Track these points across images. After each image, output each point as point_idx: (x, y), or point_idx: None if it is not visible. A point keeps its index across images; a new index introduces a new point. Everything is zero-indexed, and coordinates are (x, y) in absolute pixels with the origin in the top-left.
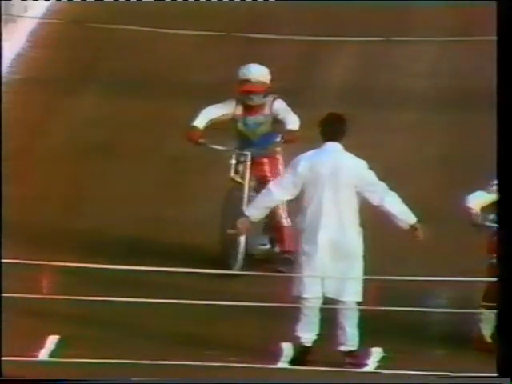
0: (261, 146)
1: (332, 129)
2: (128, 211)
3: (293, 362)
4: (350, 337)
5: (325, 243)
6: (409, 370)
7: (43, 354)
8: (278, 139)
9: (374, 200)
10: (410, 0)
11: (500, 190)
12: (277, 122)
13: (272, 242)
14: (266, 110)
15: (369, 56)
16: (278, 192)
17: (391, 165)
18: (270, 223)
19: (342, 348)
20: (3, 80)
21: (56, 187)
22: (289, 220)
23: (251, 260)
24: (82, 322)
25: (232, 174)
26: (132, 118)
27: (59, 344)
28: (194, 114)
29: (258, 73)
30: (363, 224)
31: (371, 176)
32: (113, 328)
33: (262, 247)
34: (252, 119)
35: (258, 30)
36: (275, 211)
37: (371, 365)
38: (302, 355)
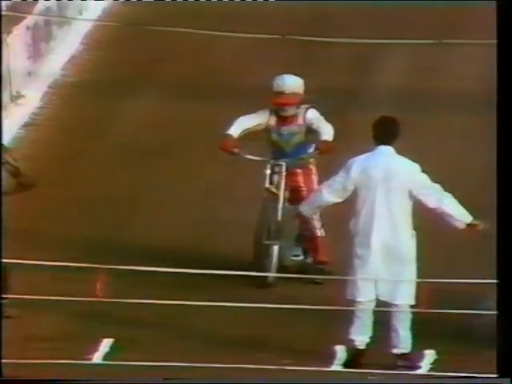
0: (295, 156)
1: (384, 132)
2: (183, 213)
3: (346, 364)
4: (402, 339)
5: (378, 246)
6: (461, 372)
7: (97, 357)
8: (312, 149)
9: (431, 203)
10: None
11: (500, 190)
12: (310, 132)
13: (305, 252)
14: (300, 120)
15: (422, 58)
16: (329, 194)
17: (444, 168)
18: (304, 234)
19: (395, 350)
20: (57, 83)
21: (112, 189)
22: (322, 231)
23: (284, 271)
24: (135, 324)
25: (267, 184)
26: (187, 121)
27: (113, 347)
28: None
29: (292, 84)
30: (416, 227)
31: (425, 179)
32: (166, 331)
33: (296, 258)
34: (286, 129)
35: (313, 33)
36: (309, 221)
37: (424, 367)
38: (355, 358)
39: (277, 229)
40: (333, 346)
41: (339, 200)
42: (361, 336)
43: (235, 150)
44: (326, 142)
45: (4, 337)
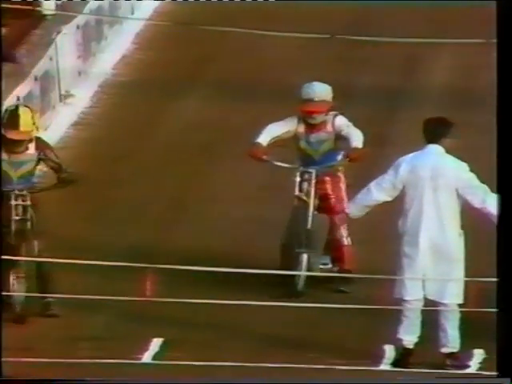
0: (323, 163)
1: (434, 131)
2: (232, 213)
3: (395, 363)
4: (451, 338)
5: (426, 245)
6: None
7: (147, 357)
8: (340, 157)
9: (476, 202)
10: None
11: (500, 190)
12: (339, 139)
13: (333, 261)
14: (329, 127)
15: (470, 57)
16: (378, 192)
17: (492, 167)
18: (331, 242)
19: (444, 350)
20: (108, 82)
21: (160, 189)
22: (349, 239)
23: (313, 279)
24: (185, 324)
25: (297, 192)
26: (236, 121)
27: (163, 346)
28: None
29: (321, 92)
30: (464, 226)
31: (472, 178)
32: (215, 330)
33: (324, 267)
34: (314, 137)
35: (361, 32)
36: (336, 230)
37: (473, 366)
38: (403, 357)
39: (307, 237)
40: (382, 345)
41: (388, 199)
42: (409, 335)
43: (264, 157)
44: (356, 149)
45: (53, 336)
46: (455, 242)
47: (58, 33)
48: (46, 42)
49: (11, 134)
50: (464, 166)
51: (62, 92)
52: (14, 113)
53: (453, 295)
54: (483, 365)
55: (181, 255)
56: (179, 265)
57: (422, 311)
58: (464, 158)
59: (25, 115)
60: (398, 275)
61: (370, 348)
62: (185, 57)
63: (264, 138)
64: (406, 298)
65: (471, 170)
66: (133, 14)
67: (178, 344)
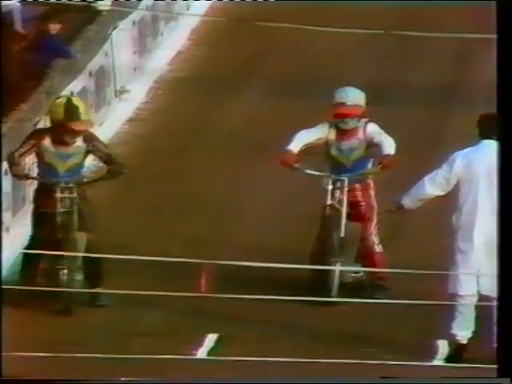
0: (354, 171)
1: (489, 127)
2: (287, 210)
3: (448, 359)
4: None
5: (480, 241)
6: None
7: (201, 353)
8: (370, 164)
9: None
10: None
11: (500, 190)
12: (371, 146)
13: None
14: (360, 135)
15: None
16: (431, 187)
17: None
18: (362, 250)
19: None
20: (163, 78)
21: (216, 185)
22: (381, 246)
23: (344, 288)
24: (240, 320)
25: (329, 200)
26: (290, 118)
27: (218, 342)
28: None
29: (354, 96)
30: None
31: None
32: (270, 326)
33: (355, 275)
34: (346, 144)
35: (413, 29)
36: (367, 237)
37: None
38: (457, 352)
39: (340, 245)
40: (435, 340)
41: (441, 193)
42: (463, 331)
43: (296, 165)
44: (388, 155)
45: (108, 332)
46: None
47: (114, 28)
48: (102, 37)
49: (76, 126)
50: None
51: (118, 88)
52: (70, 104)
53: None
54: None
55: (235, 251)
56: (233, 260)
57: (476, 306)
58: None
59: (81, 105)
60: (452, 270)
61: (423, 343)
62: (240, 53)
63: (295, 145)
64: (461, 293)
65: None
66: (188, 9)
67: (233, 340)
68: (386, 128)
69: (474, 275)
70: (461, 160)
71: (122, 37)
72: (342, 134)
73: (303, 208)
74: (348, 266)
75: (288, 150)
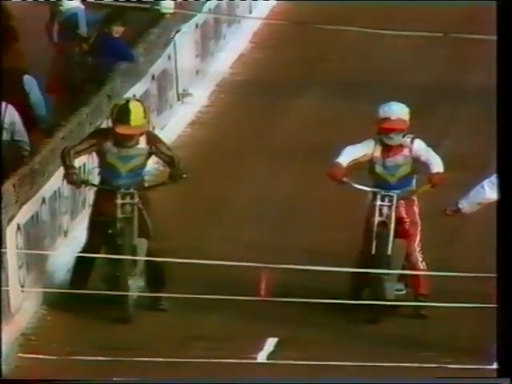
0: (399, 188)
1: None
2: (344, 213)
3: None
4: None
5: None
6: None
7: (262, 357)
8: (414, 181)
9: None
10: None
11: (500, 190)
12: (415, 163)
13: (407, 286)
14: (406, 151)
15: None
16: (490, 191)
17: None
18: (406, 267)
19: None
20: (225, 81)
21: (275, 189)
22: (424, 263)
23: (387, 305)
24: (300, 324)
25: (377, 216)
26: (351, 121)
27: (278, 346)
28: (411, 118)
29: (398, 111)
30: None
31: None
32: (329, 330)
33: (399, 293)
34: (391, 161)
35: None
36: (411, 254)
37: None
38: None
39: (387, 263)
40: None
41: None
42: None
43: (345, 180)
44: (438, 174)
45: (166, 336)
46: None
47: (177, 31)
48: (164, 40)
49: (122, 129)
50: None
51: (180, 91)
52: (124, 107)
53: None
54: None
55: (295, 255)
56: (293, 264)
57: None
58: None
59: (136, 109)
60: None
61: (482, 347)
62: (300, 56)
63: (344, 159)
64: None
65: None
66: (250, 13)
67: (293, 343)
68: (446, 128)
69: None
70: None
71: (184, 40)
72: (388, 150)
73: (361, 212)
74: (392, 284)
75: (337, 163)
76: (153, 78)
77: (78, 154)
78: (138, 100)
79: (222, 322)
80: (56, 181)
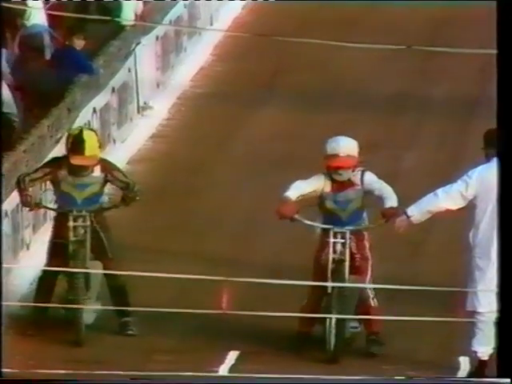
0: (350, 223)
1: None
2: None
3: (470, 375)
4: None
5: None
6: None
7: (223, 370)
8: (365, 214)
9: None
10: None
11: (500, 189)
12: (367, 196)
13: (361, 323)
14: (357, 185)
15: None
16: (444, 199)
17: None
18: (358, 304)
19: None
20: (186, 94)
21: (237, 201)
22: (376, 300)
23: (343, 343)
24: (260, 337)
25: (331, 253)
26: (312, 132)
27: (239, 359)
28: (374, 128)
29: (346, 146)
30: None
31: None
32: (289, 342)
33: (354, 330)
34: (342, 196)
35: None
36: (363, 291)
37: None
38: (479, 369)
39: (343, 301)
40: (457, 357)
41: (452, 207)
42: (483, 347)
43: (295, 217)
44: (392, 208)
45: (127, 348)
46: None
47: (138, 44)
48: (125, 53)
49: (76, 160)
50: None
51: (141, 104)
52: (78, 137)
53: None
54: None
55: (257, 268)
56: (255, 277)
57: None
58: None
59: (90, 139)
60: (470, 287)
61: (445, 360)
62: (262, 68)
63: (293, 194)
64: (479, 311)
65: None
66: (211, 25)
67: (255, 356)
68: (408, 142)
69: (493, 292)
70: (476, 178)
71: (145, 52)
72: (338, 185)
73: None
74: (348, 321)
75: (286, 197)
76: (113, 90)
77: (33, 182)
78: (91, 129)
79: (183, 336)
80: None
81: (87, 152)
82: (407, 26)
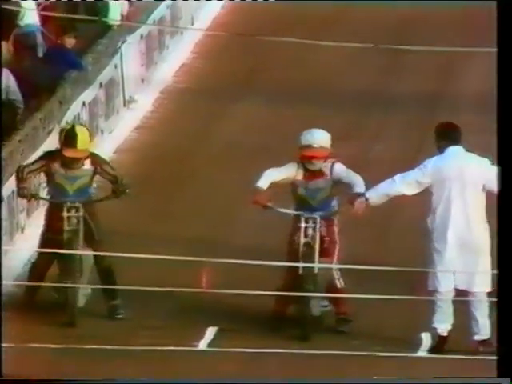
0: (320, 210)
1: (452, 134)
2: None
3: (431, 350)
4: (482, 326)
5: (453, 240)
6: None
7: (203, 344)
8: (335, 202)
9: None
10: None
11: (500, 189)
12: (336, 186)
13: (330, 302)
14: (327, 175)
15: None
16: (401, 184)
17: None
18: (325, 285)
19: (477, 337)
20: (168, 89)
21: (217, 188)
22: (341, 281)
23: (315, 321)
24: (238, 315)
25: (302, 238)
26: (288, 126)
27: (218, 335)
28: (346, 124)
29: (320, 138)
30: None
31: (495, 171)
32: (266, 320)
33: (324, 309)
34: (313, 184)
35: (406, 39)
36: (330, 272)
37: None
38: (439, 344)
39: (314, 281)
40: (419, 333)
41: (408, 193)
42: (443, 324)
43: (268, 204)
44: (358, 194)
45: (115, 325)
46: (481, 236)
47: (123, 42)
48: (112, 50)
49: (69, 153)
50: (486, 162)
51: (126, 97)
52: (71, 132)
53: (481, 284)
54: None
55: (235, 250)
56: (235, 258)
57: (454, 301)
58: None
59: (82, 134)
60: (431, 268)
61: (408, 336)
62: (240, 66)
63: (264, 183)
64: (439, 290)
65: (492, 164)
66: (193, 24)
67: (233, 333)
68: (377, 138)
69: (450, 273)
70: (432, 166)
71: (130, 50)
72: (310, 174)
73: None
74: (317, 301)
75: (258, 188)
76: (101, 85)
77: (31, 173)
78: (82, 125)
79: (167, 314)
80: (14, 181)
81: (79, 145)
82: (382, 24)
